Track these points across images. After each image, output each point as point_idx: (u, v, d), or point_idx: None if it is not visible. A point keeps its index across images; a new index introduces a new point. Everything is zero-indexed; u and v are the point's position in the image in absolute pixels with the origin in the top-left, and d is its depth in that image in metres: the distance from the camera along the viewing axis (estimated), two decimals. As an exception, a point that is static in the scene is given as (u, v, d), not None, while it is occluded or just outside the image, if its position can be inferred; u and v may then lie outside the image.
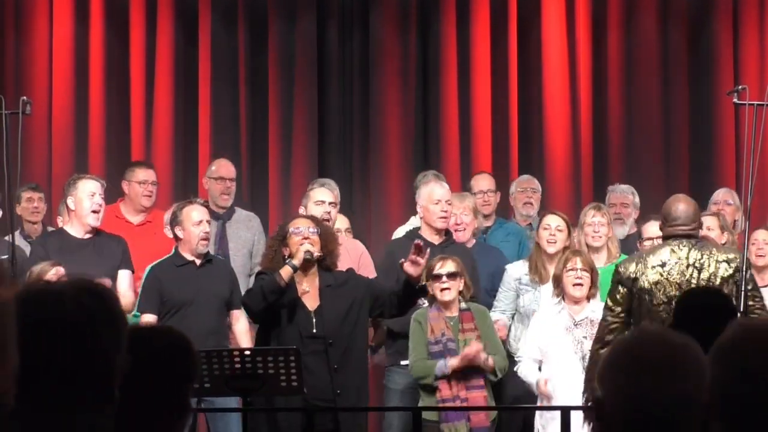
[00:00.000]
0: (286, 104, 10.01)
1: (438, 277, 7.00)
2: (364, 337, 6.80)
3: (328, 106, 10.08)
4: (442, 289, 7.00)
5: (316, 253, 6.53)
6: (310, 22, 10.03)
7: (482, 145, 10.00)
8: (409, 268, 6.42)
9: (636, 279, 6.03)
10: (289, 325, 6.49)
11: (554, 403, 6.90)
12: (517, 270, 7.65)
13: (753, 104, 7.00)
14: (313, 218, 6.90)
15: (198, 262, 7.34)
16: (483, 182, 8.76)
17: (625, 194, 8.78)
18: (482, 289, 7.62)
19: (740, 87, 7.16)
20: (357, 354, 6.63)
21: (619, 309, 6.11)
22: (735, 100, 7.17)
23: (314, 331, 6.48)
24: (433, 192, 7.70)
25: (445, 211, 7.65)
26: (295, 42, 10.05)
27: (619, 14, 10.23)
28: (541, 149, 10.09)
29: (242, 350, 6.28)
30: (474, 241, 8.03)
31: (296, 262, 6.47)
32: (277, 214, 9.49)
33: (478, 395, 6.92)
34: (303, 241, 6.53)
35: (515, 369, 7.19)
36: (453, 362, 6.87)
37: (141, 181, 8.24)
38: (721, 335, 2.46)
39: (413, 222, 8.37)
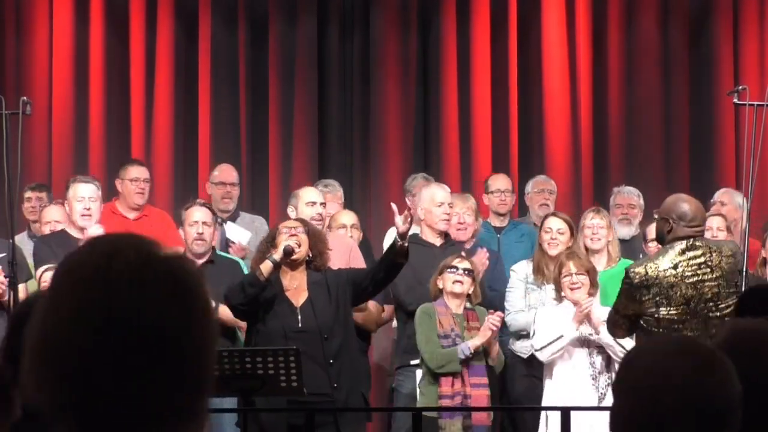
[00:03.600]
0: (286, 104, 10.01)
1: (454, 268, 7.02)
2: (353, 328, 6.81)
3: (328, 106, 10.08)
4: (455, 281, 7.02)
5: (298, 249, 6.53)
6: (310, 22, 10.04)
7: (482, 145, 10.00)
8: (399, 222, 6.47)
9: (649, 285, 6.00)
10: (273, 321, 6.50)
11: (563, 395, 6.90)
12: (523, 269, 7.67)
13: (753, 104, 7.01)
14: (302, 221, 6.92)
15: (199, 262, 7.34)
16: (500, 182, 8.75)
17: (631, 195, 8.78)
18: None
19: (740, 87, 7.17)
20: (350, 346, 6.65)
21: (625, 322, 6.11)
22: (735, 100, 7.18)
23: (299, 326, 6.48)
24: (435, 194, 7.71)
25: (447, 214, 7.67)
26: (295, 42, 10.05)
27: (619, 14, 10.23)
28: (541, 149, 10.09)
29: (242, 350, 6.28)
30: (474, 241, 8.03)
31: (276, 256, 6.48)
32: (277, 214, 9.48)
33: (481, 393, 6.92)
34: (289, 238, 6.55)
35: (535, 350, 7.14)
36: (474, 342, 6.88)
37: (133, 179, 8.25)
38: (715, 337, 2.46)
39: None
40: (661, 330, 5.93)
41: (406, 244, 6.49)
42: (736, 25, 10.20)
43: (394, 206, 6.70)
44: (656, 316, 5.98)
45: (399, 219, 6.48)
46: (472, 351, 6.87)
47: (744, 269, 6.33)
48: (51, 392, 1.51)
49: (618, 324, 6.17)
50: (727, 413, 2.22)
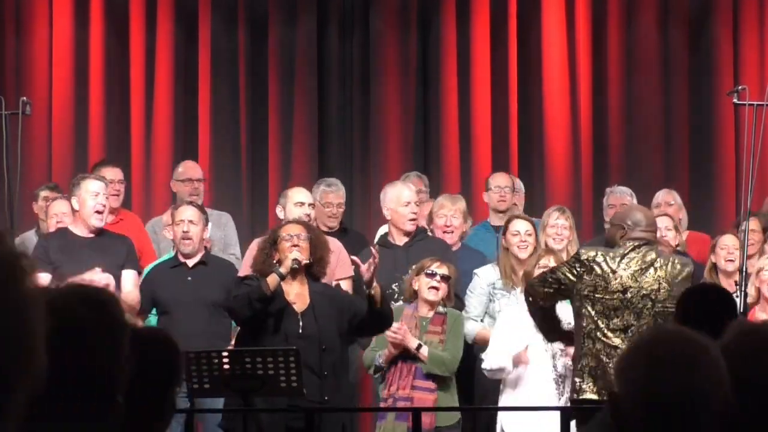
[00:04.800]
0: (286, 104, 10.01)
1: (432, 274, 6.97)
2: (347, 347, 6.82)
3: (328, 106, 10.08)
4: (431, 287, 6.98)
5: (304, 261, 6.50)
6: (310, 22, 10.03)
7: (482, 145, 10.00)
8: (364, 271, 6.47)
9: (593, 265, 6.05)
10: (274, 327, 6.47)
11: (525, 399, 6.89)
12: (488, 274, 7.54)
13: (753, 104, 7.01)
14: (305, 224, 6.87)
15: (191, 263, 7.33)
16: (500, 179, 8.74)
17: (623, 195, 8.79)
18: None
19: (740, 87, 7.18)
20: (344, 363, 6.68)
21: (554, 287, 6.13)
22: (735, 100, 7.19)
23: (300, 331, 6.46)
24: (401, 194, 7.66)
25: (414, 213, 7.62)
26: (295, 42, 10.05)
27: (619, 14, 10.23)
28: (541, 149, 10.09)
29: (242, 350, 6.27)
30: (459, 244, 7.99)
31: (283, 270, 6.42)
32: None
33: (425, 397, 6.89)
34: (292, 248, 6.50)
35: (482, 366, 7.08)
36: (384, 352, 6.92)
37: (107, 181, 8.17)
38: (722, 338, 2.46)
39: None
40: (595, 315, 5.98)
41: (372, 292, 6.43)
42: (736, 26, 10.20)
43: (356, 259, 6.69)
44: (592, 296, 6.03)
45: (364, 268, 6.47)
46: (383, 362, 6.90)
47: (744, 269, 6.35)
48: None
49: (542, 284, 6.18)
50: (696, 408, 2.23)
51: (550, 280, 6.16)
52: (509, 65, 10.07)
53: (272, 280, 6.41)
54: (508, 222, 7.65)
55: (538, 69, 10.11)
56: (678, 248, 7.86)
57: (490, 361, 7.01)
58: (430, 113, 10.11)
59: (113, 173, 8.25)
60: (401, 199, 7.60)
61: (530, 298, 6.25)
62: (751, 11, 10.19)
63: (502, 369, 6.97)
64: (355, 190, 9.89)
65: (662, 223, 7.94)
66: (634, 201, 8.71)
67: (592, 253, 6.12)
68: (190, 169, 8.72)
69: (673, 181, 9.92)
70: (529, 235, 7.49)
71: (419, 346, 6.89)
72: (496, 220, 8.54)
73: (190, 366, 6.08)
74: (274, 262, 6.52)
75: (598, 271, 6.03)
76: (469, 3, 10.10)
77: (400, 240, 7.55)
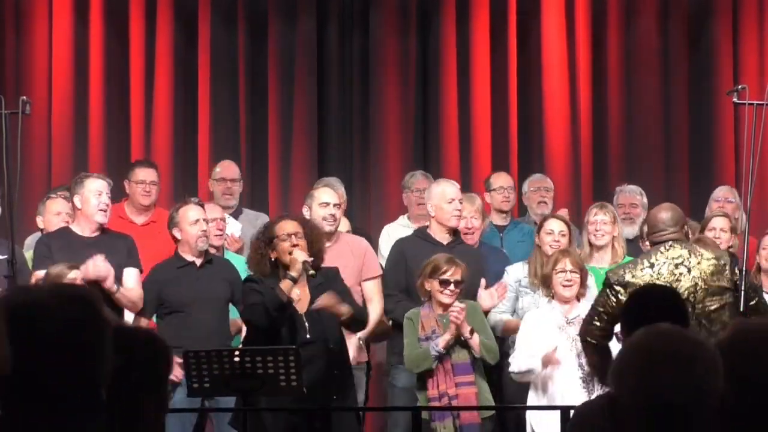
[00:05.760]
0: (286, 104, 10.01)
1: (446, 282, 6.98)
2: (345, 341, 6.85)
3: (328, 106, 10.08)
4: (443, 293, 7.00)
5: (310, 260, 6.52)
6: (310, 22, 10.04)
7: (482, 145, 10.01)
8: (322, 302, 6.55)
9: (626, 283, 6.02)
10: (282, 332, 6.47)
11: (553, 399, 6.88)
12: (516, 272, 7.65)
13: (753, 104, 7.00)
14: (299, 219, 6.89)
15: (198, 262, 7.35)
16: (503, 179, 8.77)
17: (633, 194, 8.78)
18: None
19: (740, 86, 7.15)
20: (347, 357, 6.69)
21: (605, 319, 6.07)
22: (735, 99, 7.16)
23: (308, 336, 6.47)
24: (446, 191, 7.70)
25: (459, 210, 7.67)
26: (295, 42, 10.05)
27: (619, 14, 10.23)
28: (540, 149, 10.09)
29: (242, 350, 6.28)
30: (479, 242, 8.02)
31: (295, 274, 6.48)
32: (277, 214, 9.48)
33: (468, 392, 6.90)
34: (292, 248, 6.52)
35: (510, 369, 7.10)
36: (444, 337, 6.85)
37: (139, 181, 8.24)
38: (721, 336, 2.46)
39: (401, 221, 8.44)
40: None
41: (344, 318, 6.54)
42: (735, 25, 10.21)
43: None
44: None
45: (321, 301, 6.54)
46: (443, 347, 6.84)
47: (744, 269, 6.33)
48: None
49: (594, 328, 6.14)
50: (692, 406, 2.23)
51: (596, 320, 6.09)
52: (509, 65, 10.07)
53: (286, 285, 6.45)
54: (543, 221, 7.71)
55: (538, 69, 10.11)
56: (731, 250, 7.73)
57: (518, 363, 7.02)
58: (430, 113, 10.12)
59: (145, 174, 8.30)
60: (446, 196, 7.66)
61: (591, 341, 6.17)
62: (751, 11, 10.20)
63: (530, 370, 6.97)
64: (355, 190, 9.89)
65: (718, 223, 7.91)
66: (644, 200, 8.70)
67: (620, 272, 6.09)
68: (225, 168, 8.82)
69: (672, 181, 9.93)
70: (563, 235, 7.53)
71: (471, 331, 6.90)
72: (498, 220, 8.57)
73: (190, 365, 6.09)
74: (272, 259, 6.56)
75: (632, 287, 5.99)
76: (469, 3, 10.10)
77: (443, 238, 7.61)
